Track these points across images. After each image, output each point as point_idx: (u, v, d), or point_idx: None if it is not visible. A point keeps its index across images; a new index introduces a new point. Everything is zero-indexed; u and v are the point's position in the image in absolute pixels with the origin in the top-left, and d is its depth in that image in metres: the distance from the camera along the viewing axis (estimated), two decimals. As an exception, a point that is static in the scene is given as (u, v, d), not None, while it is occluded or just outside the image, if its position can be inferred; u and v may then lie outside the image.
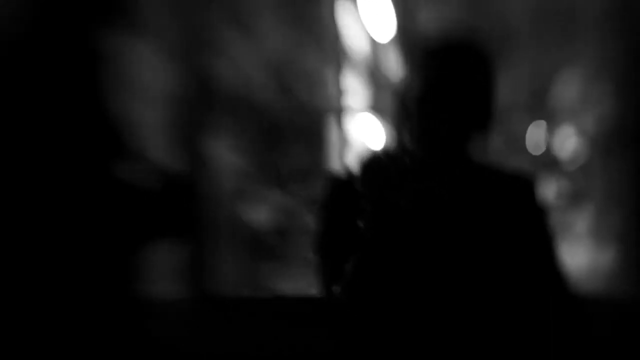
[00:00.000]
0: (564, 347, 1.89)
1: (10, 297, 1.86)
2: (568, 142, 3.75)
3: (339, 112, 3.83)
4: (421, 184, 1.89)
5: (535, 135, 3.78)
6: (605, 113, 3.60)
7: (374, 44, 3.88)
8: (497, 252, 1.87)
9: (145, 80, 3.44)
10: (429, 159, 1.90)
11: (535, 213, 1.93)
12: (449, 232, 1.86)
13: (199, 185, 3.59)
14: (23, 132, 1.89)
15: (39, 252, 1.87)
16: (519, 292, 1.88)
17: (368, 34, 3.88)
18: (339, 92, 3.83)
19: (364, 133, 3.82)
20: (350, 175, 1.93)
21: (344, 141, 3.83)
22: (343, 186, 1.93)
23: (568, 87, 3.75)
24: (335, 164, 3.78)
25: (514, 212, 1.90)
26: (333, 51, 3.83)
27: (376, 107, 3.85)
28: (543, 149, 3.77)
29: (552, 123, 3.78)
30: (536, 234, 1.92)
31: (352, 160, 1.96)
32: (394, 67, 3.81)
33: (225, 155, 3.82)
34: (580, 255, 3.64)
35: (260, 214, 3.88)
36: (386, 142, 1.89)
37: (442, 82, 1.86)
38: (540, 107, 3.78)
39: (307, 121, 3.85)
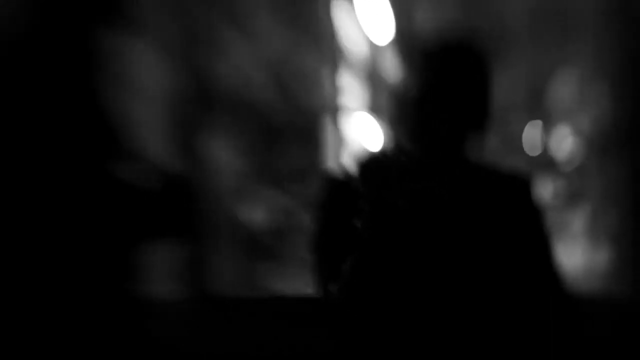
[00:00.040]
0: (560, 346, 1.90)
1: (10, 298, 1.86)
2: (564, 142, 3.75)
3: (336, 112, 3.84)
4: (419, 184, 1.89)
5: (531, 136, 3.78)
6: (601, 113, 3.61)
7: (371, 44, 3.88)
8: (493, 252, 1.87)
9: (144, 80, 3.44)
10: (426, 159, 1.91)
11: (532, 213, 1.93)
12: (446, 231, 1.87)
13: (197, 185, 3.59)
14: (22, 131, 1.89)
15: (38, 253, 1.87)
16: (515, 292, 1.89)
17: (365, 34, 3.88)
18: (336, 92, 3.83)
19: (361, 133, 3.82)
20: (347, 175, 1.93)
21: (341, 141, 3.83)
22: (340, 186, 1.93)
23: (564, 88, 3.75)
24: (332, 164, 3.78)
25: (511, 212, 1.90)
26: (330, 51, 3.83)
27: (373, 107, 3.85)
28: (540, 149, 3.77)
29: (549, 123, 3.78)
30: (532, 233, 1.93)
31: (349, 160, 1.96)
32: (391, 67, 3.81)
33: (223, 155, 3.82)
34: (576, 255, 3.64)
35: (257, 213, 3.89)
36: (383, 142, 1.89)
37: (440, 83, 1.87)
38: (536, 107, 3.79)
39: (304, 121, 3.85)
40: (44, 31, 1.94)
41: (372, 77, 3.88)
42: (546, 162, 3.77)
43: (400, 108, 1.91)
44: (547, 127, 3.78)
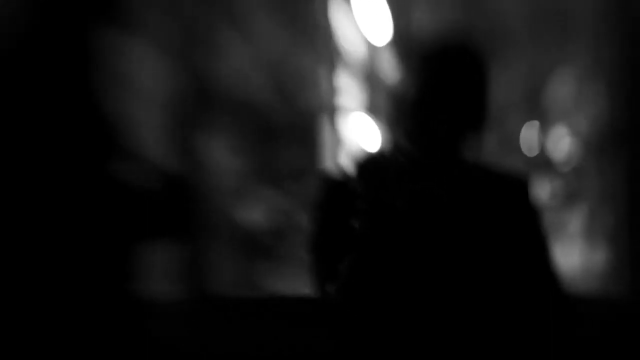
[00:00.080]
0: (557, 346, 1.91)
1: (10, 298, 1.86)
2: (562, 143, 3.75)
3: (333, 112, 3.84)
4: (416, 185, 1.90)
5: (529, 136, 3.79)
6: (598, 114, 3.61)
7: (369, 44, 3.89)
8: (491, 253, 1.88)
9: (143, 80, 3.44)
10: (424, 160, 1.91)
11: (529, 213, 1.94)
12: (444, 232, 1.87)
13: (196, 185, 3.59)
14: (21, 131, 1.89)
15: (38, 253, 1.87)
16: (513, 292, 1.90)
17: (363, 35, 3.88)
18: (334, 93, 3.83)
19: (358, 134, 3.82)
20: (345, 175, 1.94)
21: (338, 141, 3.83)
22: (338, 186, 1.94)
23: (562, 88, 3.75)
24: (330, 164, 3.78)
25: (508, 212, 1.91)
26: (328, 52, 3.84)
27: (371, 108, 3.85)
28: (537, 149, 3.78)
29: (546, 123, 3.78)
30: (530, 234, 1.93)
31: (346, 160, 1.97)
32: (389, 67, 3.81)
33: (221, 155, 3.82)
34: (573, 255, 3.65)
35: (256, 213, 3.89)
36: (381, 142, 1.90)
37: (438, 84, 1.87)
38: (534, 107, 3.79)
39: (302, 121, 3.85)
40: (43, 31, 1.94)
41: (370, 77, 3.88)
42: (543, 163, 3.77)
43: (398, 109, 1.92)
44: (545, 127, 3.78)
